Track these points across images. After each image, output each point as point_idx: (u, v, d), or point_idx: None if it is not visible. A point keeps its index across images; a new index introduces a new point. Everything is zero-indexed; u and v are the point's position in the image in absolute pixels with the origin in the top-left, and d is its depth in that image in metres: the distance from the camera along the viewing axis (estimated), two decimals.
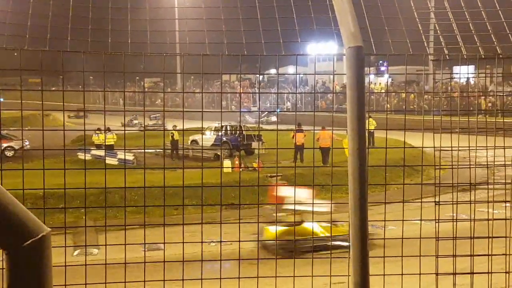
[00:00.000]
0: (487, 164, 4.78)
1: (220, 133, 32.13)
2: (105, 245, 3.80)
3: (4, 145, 32.34)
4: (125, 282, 3.70)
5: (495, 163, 4.67)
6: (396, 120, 4.24)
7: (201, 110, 4.06)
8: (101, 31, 3.80)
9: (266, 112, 44.93)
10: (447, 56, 4.07)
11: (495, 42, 4.07)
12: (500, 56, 4.03)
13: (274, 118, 43.75)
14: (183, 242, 3.83)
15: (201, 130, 28.41)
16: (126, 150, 24.60)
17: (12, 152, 33.07)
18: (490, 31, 4.14)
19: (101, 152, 27.76)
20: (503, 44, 4.06)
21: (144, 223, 3.99)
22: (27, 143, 30.82)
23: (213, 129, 32.09)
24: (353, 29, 2.70)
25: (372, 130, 26.81)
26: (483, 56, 4.06)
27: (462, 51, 4.08)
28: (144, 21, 4.02)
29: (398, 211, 4.13)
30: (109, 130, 28.94)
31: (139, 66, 4.31)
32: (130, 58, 3.90)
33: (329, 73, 4.46)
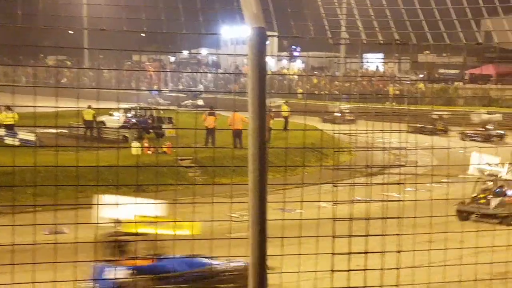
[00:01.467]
0: (384, 148, 5.02)
1: (129, 115, 31.34)
2: None
3: None
4: (13, 264, 3.56)
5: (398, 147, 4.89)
6: (308, 105, 4.32)
7: (97, 88, 3.92)
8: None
9: (192, 95, 44.32)
10: (347, 40, 4.18)
11: (394, 29, 4.22)
12: (397, 42, 4.18)
13: (200, 102, 43.38)
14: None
15: (108, 110, 27.55)
16: (28, 130, 23.40)
17: None
18: (389, 17, 4.28)
19: (1, 132, 26.19)
20: (413, 31, 4.22)
21: (35, 204, 3.85)
22: None
23: (122, 110, 31.23)
24: (256, 11, 2.67)
25: (286, 115, 27.38)
26: (381, 42, 4.21)
27: (362, 37, 4.21)
28: None
29: (309, 194, 4.23)
30: (9, 108, 27.33)
31: (47, 43, 4.07)
32: (37, 33, 3.65)
33: (232, 55, 4.45)
